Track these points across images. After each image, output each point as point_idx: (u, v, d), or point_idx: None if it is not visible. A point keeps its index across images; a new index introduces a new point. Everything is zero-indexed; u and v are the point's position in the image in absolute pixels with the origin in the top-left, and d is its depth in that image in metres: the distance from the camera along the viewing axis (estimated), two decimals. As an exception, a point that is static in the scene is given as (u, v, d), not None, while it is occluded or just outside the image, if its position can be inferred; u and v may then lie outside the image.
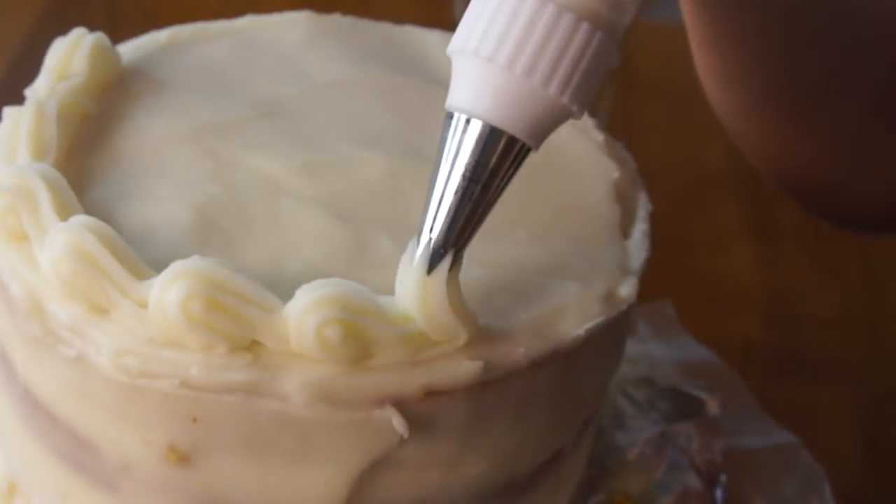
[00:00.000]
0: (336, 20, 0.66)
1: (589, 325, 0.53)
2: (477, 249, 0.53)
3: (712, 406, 0.68)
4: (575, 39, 0.47)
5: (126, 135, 0.58)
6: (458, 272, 0.49)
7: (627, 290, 0.55)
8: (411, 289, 0.49)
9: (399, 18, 0.66)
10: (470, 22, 0.48)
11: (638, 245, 0.57)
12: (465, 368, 0.50)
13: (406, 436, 0.50)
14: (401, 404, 0.50)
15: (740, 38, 0.61)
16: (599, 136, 0.61)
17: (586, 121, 0.61)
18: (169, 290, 0.49)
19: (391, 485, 0.52)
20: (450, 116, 0.49)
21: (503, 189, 0.49)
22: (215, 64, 0.63)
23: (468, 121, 0.48)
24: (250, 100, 0.61)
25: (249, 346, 0.50)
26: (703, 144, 1.01)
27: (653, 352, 0.73)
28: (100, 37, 0.60)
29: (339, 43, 0.64)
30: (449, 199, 0.49)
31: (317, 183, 0.57)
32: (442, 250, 0.49)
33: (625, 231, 0.58)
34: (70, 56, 0.59)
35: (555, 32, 0.47)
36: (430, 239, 0.49)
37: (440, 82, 0.63)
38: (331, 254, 0.54)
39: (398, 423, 0.50)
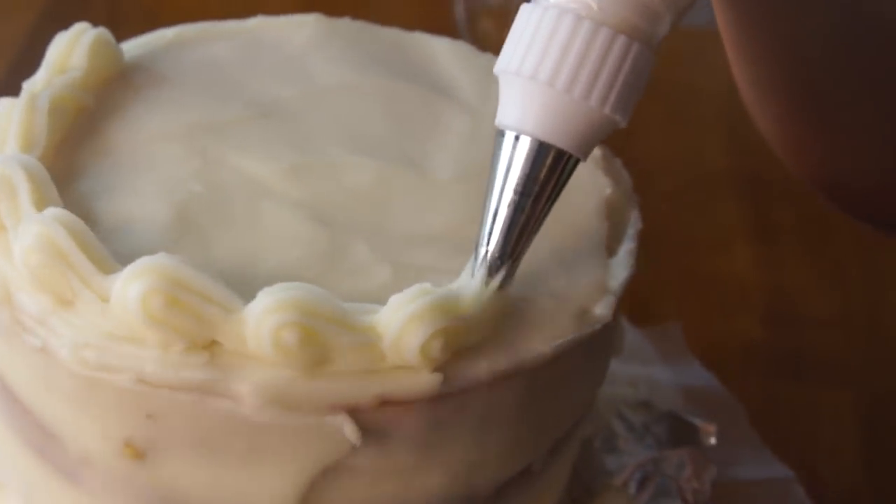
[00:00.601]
0: (345, 24, 0.65)
1: (557, 342, 0.52)
2: (452, 259, 0.53)
3: (708, 434, 0.66)
4: (612, 53, 0.48)
5: (119, 127, 0.58)
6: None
7: (603, 309, 0.53)
8: (397, 322, 0.49)
9: (399, 18, 0.66)
10: (512, 43, 0.50)
11: (621, 264, 0.56)
12: (424, 379, 0.49)
13: (358, 444, 0.49)
14: (355, 412, 0.49)
15: (774, 47, 0.60)
16: (597, 151, 0.60)
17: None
18: (131, 286, 0.49)
19: (345, 493, 0.51)
20: (500, 134, 0.50)
21: (554, 201, 0.50)
22: (219, 62, 0.62)
23: (517, 137, 0.50)
24: (248, 100, 0.60)
25: (209, 346, 0.50)
26: (703, 144, 1.00)
27: (656, 375, 0.72)
28: (102, 32, 0.60)
29: (345, 46, 0.64)
30: (503, 213, 0.50)
31: (302, 186, 0.57)
32: (499, 262, 0.50)
33: (610, 249, 0.56)
34: (70, 50, 0.59)
35: (592, 47, 0.48)
36: (487, 252, 0.50)
37: (442, 89, 0.63)
38: (304, 257, 0.53)
39: (350, 431, 0.49)
